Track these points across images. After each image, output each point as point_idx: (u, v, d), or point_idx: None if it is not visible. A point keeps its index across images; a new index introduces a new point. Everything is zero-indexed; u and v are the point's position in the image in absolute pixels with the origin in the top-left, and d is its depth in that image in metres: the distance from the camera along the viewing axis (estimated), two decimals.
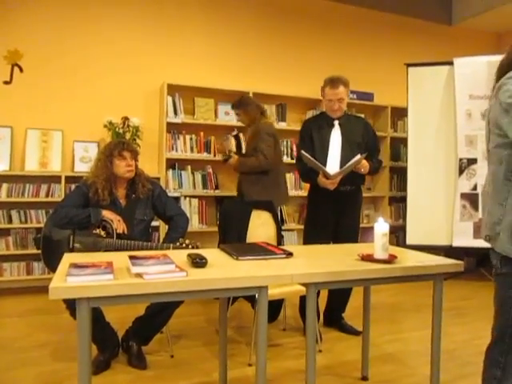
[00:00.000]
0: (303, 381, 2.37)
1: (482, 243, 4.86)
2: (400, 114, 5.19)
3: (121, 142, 2.72)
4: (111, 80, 4.26)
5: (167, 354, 2.64)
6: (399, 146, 5.26)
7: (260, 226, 2.97)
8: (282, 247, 2.00)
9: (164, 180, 4.15)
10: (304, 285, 1.66)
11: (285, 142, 4.70)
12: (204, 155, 4.38)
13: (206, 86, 4.34)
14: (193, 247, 2.37)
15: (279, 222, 3.12)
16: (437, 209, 4.63)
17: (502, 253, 1.45)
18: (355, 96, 4.97)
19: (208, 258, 1.65)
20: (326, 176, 2.78)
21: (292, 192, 4.67)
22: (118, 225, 2.55)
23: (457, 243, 4.57)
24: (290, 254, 1.87)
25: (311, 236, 3.01)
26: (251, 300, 2.72)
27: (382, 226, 1.83)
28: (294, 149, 4.67)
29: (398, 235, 5.28)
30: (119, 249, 2.45)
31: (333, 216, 2.95)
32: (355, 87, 4.97)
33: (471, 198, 4.56)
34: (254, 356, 2.46)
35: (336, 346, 2.83)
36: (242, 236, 2.90)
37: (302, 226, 4.64)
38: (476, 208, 4.54)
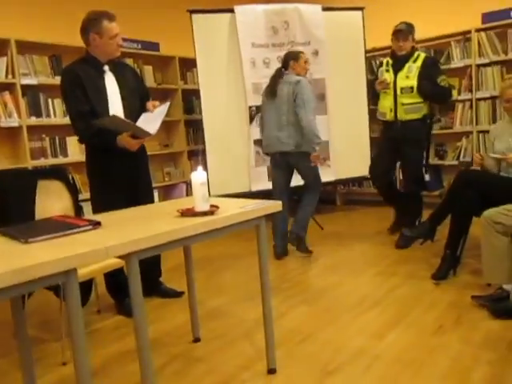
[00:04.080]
0: (136, 361, 2.13)
1: None
2: (189, 64, 5.04)
3: None
4: None
5: None
6: (191, 98, 5.14)
7: (51, 200, 2.48)
8: (85, 218, 1.64)
9: None
10: (123, 257, 1.37)
11: None
12: None
13: None
14: None
15: (75, 191, 2.66)
16: (234, 157, 4.74)
17: (308, 151, 3.34)
18: (140, 46, 4.59)
19: None
20: (137, 136, 2.44)
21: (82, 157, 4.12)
22: None
23: (255, 188, 4.81)
24: (97, 224, 1.54)
25: (105, 208, 2.58)
26: (53, 287, 2.27)
27: (199, 176, 1.66)
28: None
29: None
30: None
31: (127, 176, 2.59)
32: (138, 36, 4.59)
33: None
34: (68, 352, 2.08)
35: (161, 315, 2.63)
36: (30, 216, 2.36)
37: None
38: None
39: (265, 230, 1.84)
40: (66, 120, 4.00)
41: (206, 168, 5.19)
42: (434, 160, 5.02)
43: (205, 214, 1.63)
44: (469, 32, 4.60)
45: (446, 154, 5.00)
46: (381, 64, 3.80)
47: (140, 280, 1.40)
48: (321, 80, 4.82)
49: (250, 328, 2.38)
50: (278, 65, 4.81)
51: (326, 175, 4.95)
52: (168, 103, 2.58)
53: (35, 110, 3.85)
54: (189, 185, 5.05)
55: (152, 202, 2.75)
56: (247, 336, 2.29)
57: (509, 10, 4.44)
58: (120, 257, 1.38)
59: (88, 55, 2.55)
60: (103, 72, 2.54)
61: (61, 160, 3.97)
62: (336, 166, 4.93)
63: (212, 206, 1.69)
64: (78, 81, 2.45)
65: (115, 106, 2.53)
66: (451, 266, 2.81)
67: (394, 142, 3.62)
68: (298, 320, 2.44)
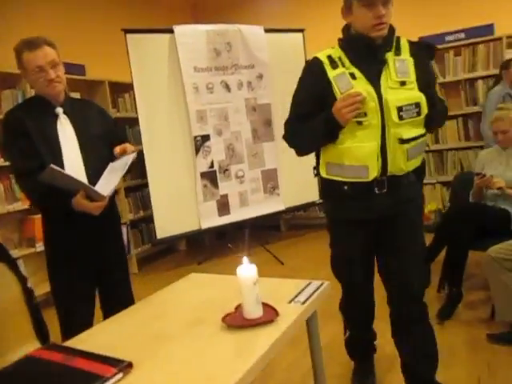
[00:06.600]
0: None
1: (226, 220, 4.94)
2: (120, 89, 4.46)
3: None
4: None
5: None
6: (124, 127, 4.54)
7: None
8: (106, 355, 1.12)
9: None
10: None
11: None
12: None
13: None
14: None
15: (21, 273, 2.04)
16: (181, 193, 4.26)
17: None
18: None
19: None
20: (92, 197, 1.89)
21: (3, 208, 3.37)
22: None
23: (205, 225, 4.36)
24: (128, 366, 1.06)
25: (65, 286, 1.98)
26: None
27: (249, 270, 1.25)
28: None
29: (141, 229, 4.69)
30: None
31: (94, 245, 2.00)
32: (61, 57, 3.92)
33: (211, 177, 4.38)
34: None
35: None
36: None
37: (30, 250, 3.48)
38: (216, 186, 4.40)
39: (317, 324, 1.47)
40: None
41: (144, 205, 4.65)
42: None
43: (263, 322, 1.23)
44: None
45: None
46: (316, 62, 1.75)
47: None
48: (266, 105, 4.56)
49: None
50: (223, 90, 4.45)
51: (276, 204, 4.69)
52: (134, 154, 1.99)
53: None
54: (129, 226, 4.44)
55: (126, 272, 2.21)
56: None
57: (444, 34, 4.60)
58: None
59: (36, 95, 1.98)
60: (55, 116, 1.95)
61: None
62: (284, 193, 4.69)
63: (265, 305, 1.28)
64: (22, 129, 1.86)
65: (72, 160, 1.93)
66: (457, 304, 2.69)
67: (373, 228, 1.78)
68: None
